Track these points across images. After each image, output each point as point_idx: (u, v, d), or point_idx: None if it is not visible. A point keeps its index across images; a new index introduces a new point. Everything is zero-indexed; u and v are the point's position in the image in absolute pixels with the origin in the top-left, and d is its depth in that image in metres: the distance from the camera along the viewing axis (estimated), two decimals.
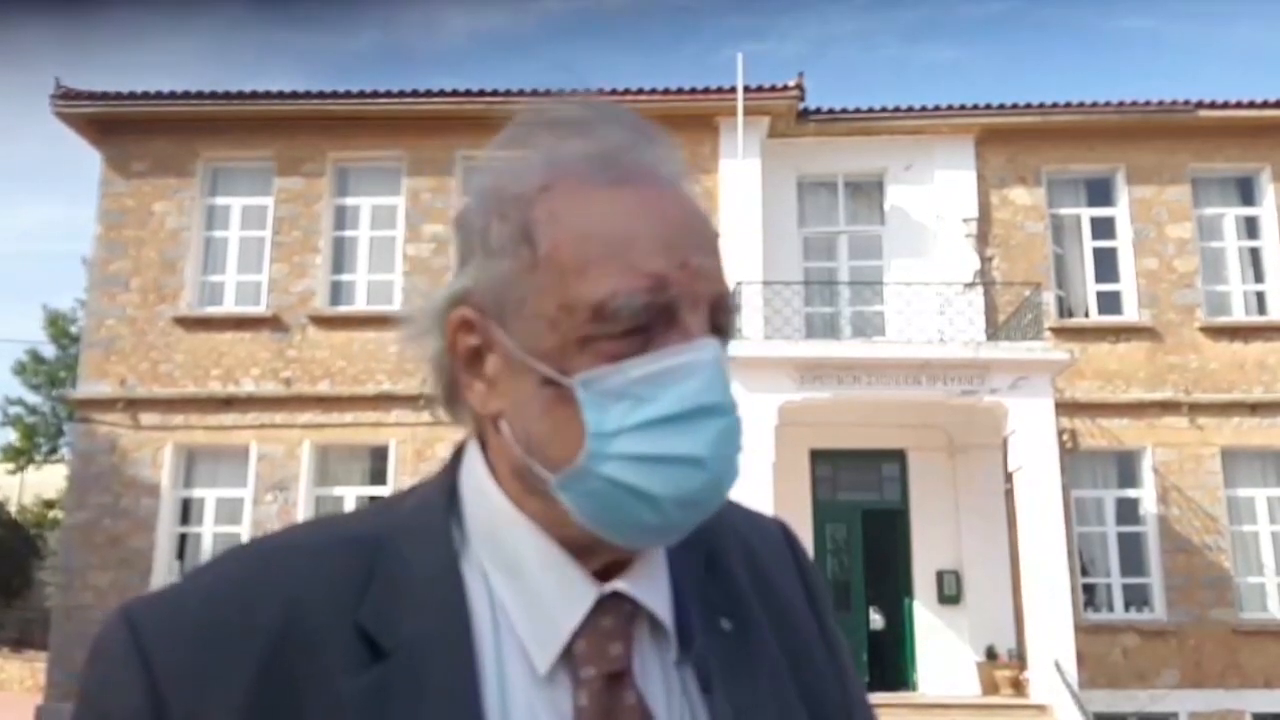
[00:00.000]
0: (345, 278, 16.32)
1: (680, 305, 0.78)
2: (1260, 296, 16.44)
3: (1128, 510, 15.62)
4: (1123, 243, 16.41)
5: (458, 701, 0.77)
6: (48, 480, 30.24)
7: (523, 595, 0.81)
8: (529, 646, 0.80)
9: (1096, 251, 16.51)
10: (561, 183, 0.81)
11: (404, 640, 0.78)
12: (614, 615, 0.82)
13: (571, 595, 0.81)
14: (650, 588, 0.84)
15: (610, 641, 0.81)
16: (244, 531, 14.89)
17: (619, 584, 0.82)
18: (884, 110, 16.57)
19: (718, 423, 0.77)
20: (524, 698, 0.79)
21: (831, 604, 1.00)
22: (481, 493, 0.85)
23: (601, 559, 0.82)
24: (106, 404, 15.62)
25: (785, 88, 15.96)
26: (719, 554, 0.91)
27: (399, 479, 14.90)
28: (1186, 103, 16.28)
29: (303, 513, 14.92)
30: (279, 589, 0.80)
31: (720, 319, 0.81)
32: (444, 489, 0.87)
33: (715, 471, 0.77)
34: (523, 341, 0.80)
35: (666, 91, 16.07)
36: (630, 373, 0.77)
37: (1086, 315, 16.30)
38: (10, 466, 32.39)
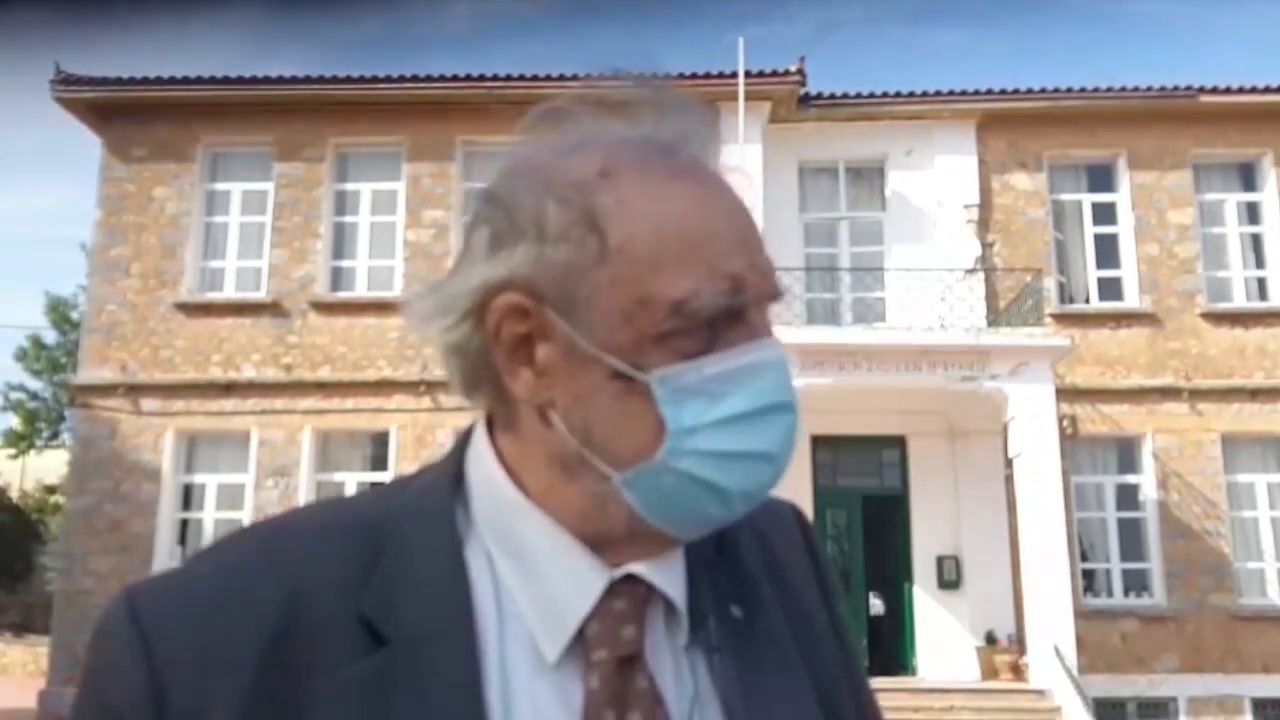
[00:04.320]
0: (345, 263, 16.30)
1: (750, 304, 0.79)
2: (1261, 282, 16.43)
3: (1127, 496, 15.65)
4: (1124, 228, 16.39)
5: (459, 689, 0.76)
6: (49, 465, 30.27)
7: (530, 581, 0.80)
8: (536, 633, 0.79)
9: (1097, 237, 16.49)
10: (623, 169, 0.79)
11: (405, 628, 0.77)
12: (627, 598, 0.81)
13: (582, 581, 0.80)
14: (666, 571, 0.83)
15: (624, 624, 0.80)
16: (245, 517, 14.91)
17: (635, 566, 0.81)
18: (885, 96, 16.52)
19: (787, 419, 0.81)
20: (528, 685, 0.78)
21: (839, 588, 0.99)
22: (489, 479, 0.83)
23: (628, 553, 0.81)
24: (107, 390, 15.63)
25: (786, 73, 15.92)
26: (729, 537, 0.89)
27: (400, 465, 14.91)
28: (1188, 88, 16.23)
29: (303, 498, 14.93)
30: (282, 575, 0.79)
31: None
32: (450, 474, 0.85)
33: (781, 466, 0.80)
34: (590, 333, 0.77)
35: (668, 76, 15.97)
36: (705, 370, 0.77)
37: (1087, 301, 16.28)
38: (12, 452, 32.44)
